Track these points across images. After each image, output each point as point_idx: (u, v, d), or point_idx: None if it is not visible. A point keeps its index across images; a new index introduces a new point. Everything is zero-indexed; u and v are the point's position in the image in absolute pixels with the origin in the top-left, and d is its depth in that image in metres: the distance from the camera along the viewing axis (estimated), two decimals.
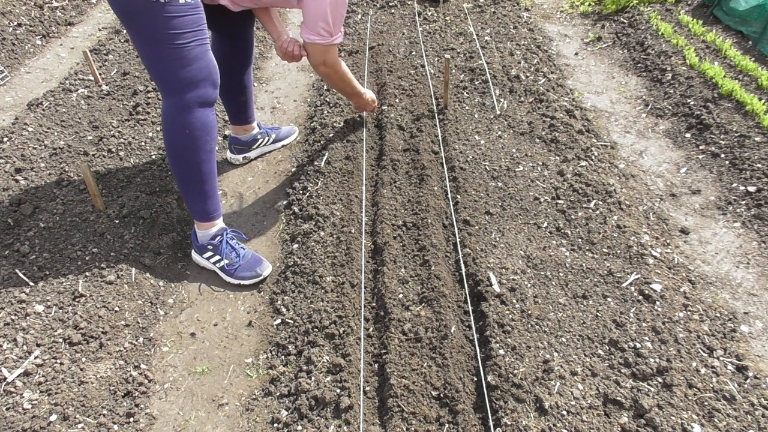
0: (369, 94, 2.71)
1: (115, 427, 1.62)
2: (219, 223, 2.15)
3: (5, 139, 2.73)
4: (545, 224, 2.21)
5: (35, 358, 1.72)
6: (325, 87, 3.21)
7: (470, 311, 1.89)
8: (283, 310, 1.97)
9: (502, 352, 1.69)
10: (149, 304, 2.03)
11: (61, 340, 1.78)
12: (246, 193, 2.61)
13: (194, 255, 2.20)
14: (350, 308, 1.90)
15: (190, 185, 2.04)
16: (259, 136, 2.76)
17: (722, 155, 2.59)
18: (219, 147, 2.87)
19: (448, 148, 2.62)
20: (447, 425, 1.55)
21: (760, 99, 2.81)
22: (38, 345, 1.76)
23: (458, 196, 2.34)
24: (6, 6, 3.91)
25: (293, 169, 2.70)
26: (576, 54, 3.66)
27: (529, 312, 1.84)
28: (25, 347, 1.75)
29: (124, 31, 3.87)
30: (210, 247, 2.13)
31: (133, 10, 1.72)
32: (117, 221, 2.23)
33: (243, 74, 2.51)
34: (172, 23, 1.73)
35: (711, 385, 1.62)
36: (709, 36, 3.48)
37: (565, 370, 1.66)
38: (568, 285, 1.95)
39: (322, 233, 2.21)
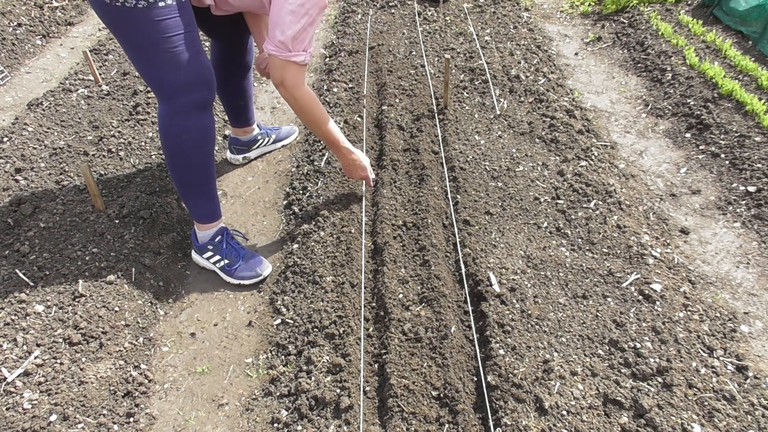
0: (358, 156, 2.22)
1: (115, 427, 1.62)
2: (219, 224, 2.15)
3: (5, 139, 2.73)
4: (545, 224, 2.21)
5: (35, 358, 1.72)
6: (325, 87, 3.21)
7: (470, 311, 1.89)
8: (283, 310, 1.97)
9: (502, 352, 1.69)
10: (149, 304, 2.03)
11: (61, 340, 1.78)
12: (246, 193, 2.61)
13: (194, 255, 2.20)
14: (350, 308, 1.90)
15: (189, 189, 2.03)
16: (259, 137, 2.76)
17: (722, 155, 2.59)
18: (219, 147, 2.87)
19: (448, 148, 2.62)
20: (447, 425, 1.55)
21: (760, 99, 2.81)
22: (38, 345, 1.76)
23: (458, 196, 2.34)
24: (6, 6, 3.92)
25: (293, 169, 2.70)
26: (576, 54, 3.66)
27: (529, 312, 1.84)
28: (25, 347, 1.74)
29: None
30: (210, 247, 2.13)
31: (113, 16, 1.69)
32: (117, 221, 2.23)
33: (242, 79, 2.51)
34: (156, 27, 1.69)
35: (711, 385, 1.62)
36: (709, 36, 3.48)
37: (565, 370, 1.66)
38: (568, 285, 1.95)
39: (322, 233, 2.21)
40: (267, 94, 3.35)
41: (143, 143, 2.76)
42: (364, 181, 2.40)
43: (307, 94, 2.01)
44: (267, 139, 2.80)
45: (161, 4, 1.68)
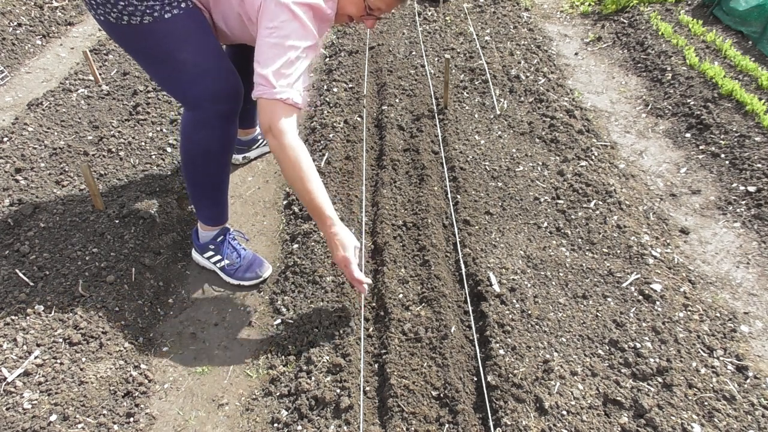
0: (338, 231, 1.71)
1: (115, 427, 1.62)
2: (223, 225, 2.15)
3: (5, 139, 2.73)
4: (545, 224, 2.21)
5: (35, 358, 1.72)
6: (325, 87, 3.21)
7: (470, 311, 1.89)
8: (283, 310, 1.97)
9: (502, 352, 1.69)
10: (149, 304, 2.03)
11: (61, 340, 1.78)
12: (246, 193, 2.61)
13: (194, 254, 2.20)
14: (350, 308, 1.90)
15: (202, 193, 2.01)
16: (259, 137, 2.76)
17: (722, 155, 2.59)
18: None
19: (448, 148, 2.62)
20: (447, 425, 1.55)
21: (760, 99, 2.81)
22: (38, 345, 1.76)
23: (458, 196, 2.34)
24: (6, 6, 3.91)
25: None
26: (576, 54, 3.66)
27: (529, 312, 1.84)
28: (25, 347, 1.74)
29: None
30: (211, 247, 2.13)
31: (122, 36, 1.65)
32: (117, 221, 2.23)
33: (250, 86, 2.46)
34: (167, 40, 1.64)
35: (711, 385, 1.62)
36: (709, 36, 3.48)
37: (565, 370, 1.66)
38: (568, 285, 1.95)
39: (322, 233, 2.21)
40: None
41: (143, 143, 2.76)
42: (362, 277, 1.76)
43: (296, 144, 1.64)
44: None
45: (167, 16, 1.62)
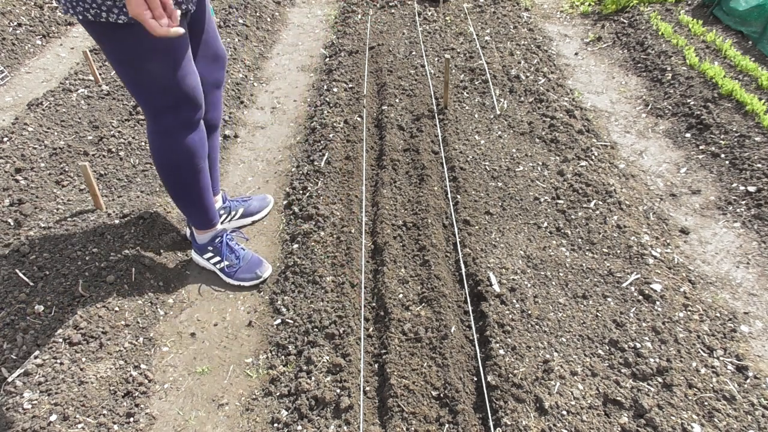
0: None
1: (115, 427, 1.62)
2: (217, 227, 2.14)
3: (5, 139, 2.73)
4: (545, 224, 2.21)
5: (35, 358, 1.72)
6: (325, 87, 3.21)
7: (470, 311, 1.89)
8: (283, 310, 1.97)
9: (502, 352, 1.69)
10: (149, 304, 2.03)
11: (61, 340, 1.78)
12: (246, 194, 2.61)
13: (194, 255, 2.20)
14: (350, 308, 1.90)
15: (185, 201, 2.01)
16: (222, 211, 2.34)
17: (722, 155, 2.59)
18: (224, 143, 2.86)
19: (448, 148, 2.63)
20: (447, 425, 1.55)
21: (760, 99, 2.81)
22: (38, 345, 1.76)
23: (458, 196, 2.34)
24: (6, 6, 3.91)
25: (293, 169, 2.70)
26: (576, 54, 3.66)
27: (529, 312, 1.84)
28: (24, 347, 1.74)
29: None
30: (210, 248, 2.13)
31: (98, 32, 1.63)
32: (117, 221, 2.23)
33: (209, 137, 2.12)
34: (140, 45, 1.62)
35: (711, 385, 1.62)
36: (709, 36, 3.48)
37: (565, 370, 1.66)
38: (568, 285, 1.95)
39: (322, 233, 2.21)
40: (267, 94, 3.36)
41: (143, 143, 2.76)
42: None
43: None
44: (233, 213, 2.37)
45: None
